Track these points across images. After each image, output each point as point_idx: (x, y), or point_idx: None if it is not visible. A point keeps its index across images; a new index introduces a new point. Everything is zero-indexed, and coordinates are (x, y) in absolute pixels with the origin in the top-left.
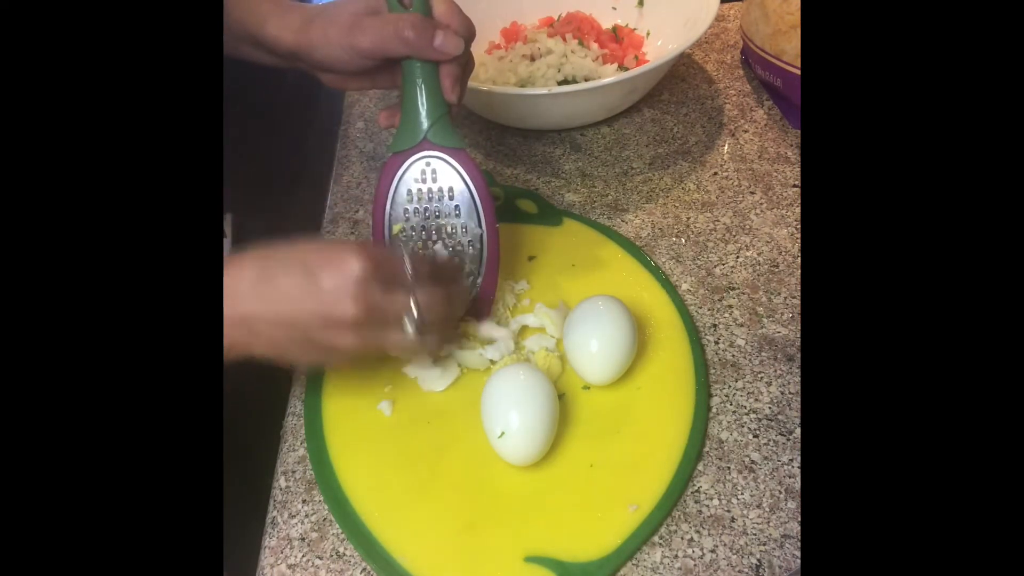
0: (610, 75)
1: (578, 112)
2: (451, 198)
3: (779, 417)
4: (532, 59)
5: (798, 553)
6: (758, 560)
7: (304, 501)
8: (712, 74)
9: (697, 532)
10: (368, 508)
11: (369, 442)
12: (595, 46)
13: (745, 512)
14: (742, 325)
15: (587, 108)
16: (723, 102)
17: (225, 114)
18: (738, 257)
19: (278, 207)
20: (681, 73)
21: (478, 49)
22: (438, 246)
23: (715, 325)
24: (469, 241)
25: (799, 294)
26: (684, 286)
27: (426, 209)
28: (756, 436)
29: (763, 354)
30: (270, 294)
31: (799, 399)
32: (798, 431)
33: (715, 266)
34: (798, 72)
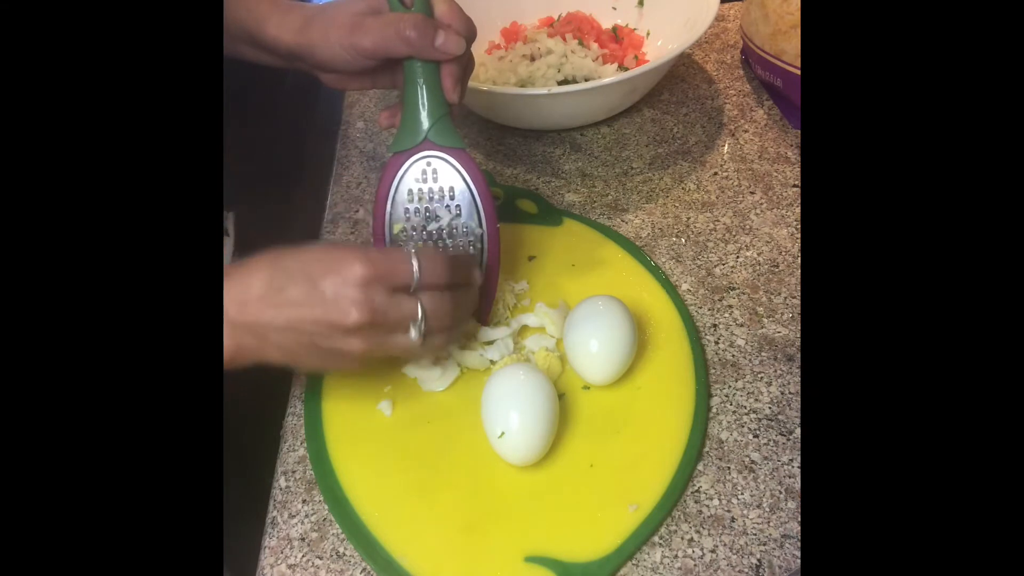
0: (610, 75)
1: (578, 112)
2: (452, 198)
3: (779, 417)
4: (532, 59)
5: (798, 553)
6: (758, 560)
7: (304, 501)
8: (712, 74)
9: (697, 532)
10: (368, 508)
11: (369, 442)
12: (595, 46)
13: (745, 512)
14: (742, 325)
15: (587, 108)
16: (723, 102)
17: (225, 114)
18: (738, 257)
19: (279, 207)
20: (681, 73)
21: (478, 49)
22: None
23: (715, 325)
24: (470, 241)
25: (799, 294)
26: (684, 286)
27: (427, 209)
28: (756, 436)
29: (763, 354)
30: (278, 301)
31: (799, 399)
32: (798, 431)
33: (715, 266)
34: (798, 72)
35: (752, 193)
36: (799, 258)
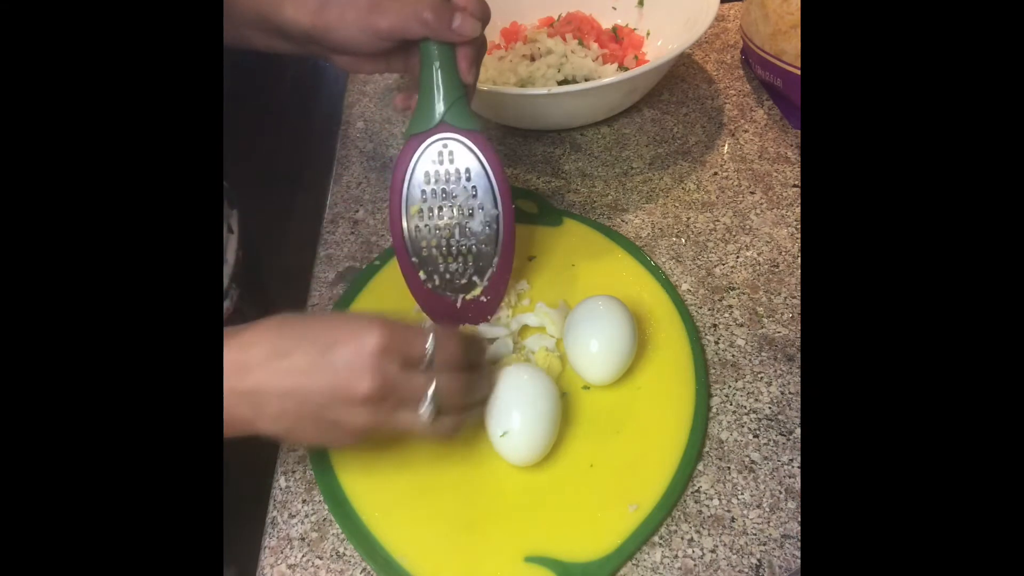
0: (610, 75)
1: (578, 112)
2: (468, 179)
3: (779, 417)
4: (532, 59)
5: (798, 553)
6: (758, 560)
7: (304, 501)
8: (712, 74)
9: (697, 532)
10: (368, 508)
11: (369, 442)
12: (595, 46)
13: (745, 512)
14: (742, 325)
15: (587, 108)
16: (723, 102)
17: (226, 114)
18: (738, 257)
19: (279, 207)
20: (681, 73)
21: None
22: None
23: (715, 325)
24: (485, 221)
25: (799, 294)
26: (684, 286)
27: (443, 190)
28: (756, 436)
29: (763, 354)
30: (282, 367)
31: (799, 399)
32: (798, 431)
33: (715, 266)
34: (798, 72)
35: (752, 193)
36: (799, 258)
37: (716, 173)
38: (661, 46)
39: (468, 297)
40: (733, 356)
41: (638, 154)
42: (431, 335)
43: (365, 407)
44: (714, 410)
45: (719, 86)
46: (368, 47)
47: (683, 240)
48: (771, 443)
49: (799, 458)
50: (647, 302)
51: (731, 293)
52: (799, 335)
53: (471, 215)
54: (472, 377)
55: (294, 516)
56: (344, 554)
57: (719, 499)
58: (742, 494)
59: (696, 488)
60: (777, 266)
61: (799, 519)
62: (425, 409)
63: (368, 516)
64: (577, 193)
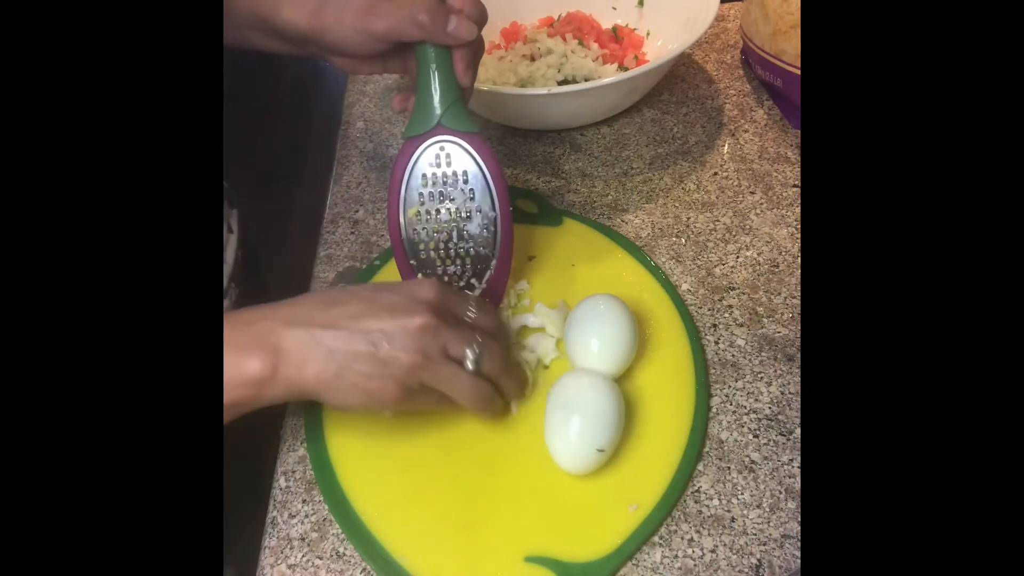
0: (610, 75)
1: (578, 112)
2: (465, 182)
3: (779, 417)
4: (532, 59)
5: (798, 553)
6: (758, 560)
7: (304, 501)
8: (712, 74)
9: (697, 532)
10: (368, 508)
11: (369, 441)
12: (595, 46)
13: (745, 512)
14: (742, 325)
15: (587, 108)
16: (723, 102)
17: (226, 115)
18: (738, 257)
19: (279, 206)
20: (681, 73)
21: None
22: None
23: (715, 325)
24: (483, 224)
25: (799, 294)
26: (684, 286)
27: (441, 193)
28: (756, 436)
29: (763, 354)
30: (335, 312)
31: (799, 399)
32: (798, 431)
33: (715, 266)
34: (798, 72)
35: (752, 193)
36: (799, 258)
37: (716, 173)
38: (661, 46)
39: None
40: (733, 356)
41: (638, 154)
42: (473, 302)
43: (419, 340)
44: (714, 410)
45: (719, 86)
46: (364, 49)
47: (683, 240)
48: (771, 443)
49: (799, 458)
50: (647, 302)
51: (731, 293)
52: (799, 335)
53: (469, 218)
54: (507, 352)
55: (294, 516)
56: (344, 554)
57: (719, 499)
58: (742, 494)
59: (696, 488)
60: (777, 266)
61: (799, 519)
62: (470, 361)
63: (368, 516)
64: (577, 193)
